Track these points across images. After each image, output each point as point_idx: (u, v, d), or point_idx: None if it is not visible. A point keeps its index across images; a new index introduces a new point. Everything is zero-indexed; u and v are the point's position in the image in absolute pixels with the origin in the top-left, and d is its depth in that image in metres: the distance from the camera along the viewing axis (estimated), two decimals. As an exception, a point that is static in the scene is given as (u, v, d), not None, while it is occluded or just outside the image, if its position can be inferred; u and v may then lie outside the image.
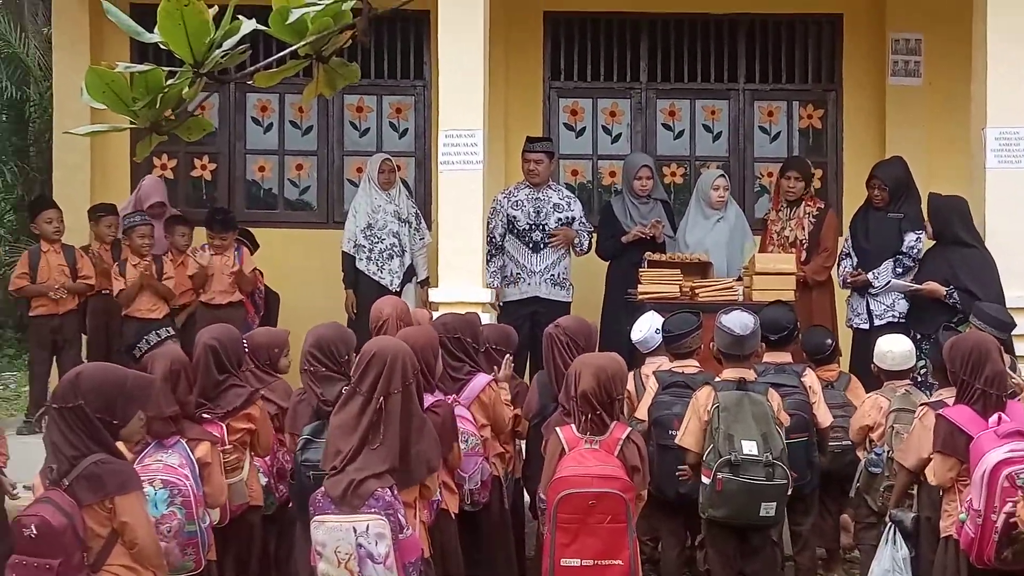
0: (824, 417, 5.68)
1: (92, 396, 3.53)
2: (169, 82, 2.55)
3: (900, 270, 7.24)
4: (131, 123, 2.67)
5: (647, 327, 6.09)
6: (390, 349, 3.99)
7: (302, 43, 2.52)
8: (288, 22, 2.48)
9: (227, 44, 2.46)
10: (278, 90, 9.07)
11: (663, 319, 6.00)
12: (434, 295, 7.09)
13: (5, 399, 11.38)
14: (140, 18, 2.66)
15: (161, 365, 4.38)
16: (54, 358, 8.00)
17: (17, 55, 15.28)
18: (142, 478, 3.83)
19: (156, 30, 2.43)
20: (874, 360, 5.96)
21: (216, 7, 2.46)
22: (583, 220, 8.16)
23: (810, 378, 5.75)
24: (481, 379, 5.23)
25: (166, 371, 4.36)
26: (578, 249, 8.10)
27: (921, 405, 5.07)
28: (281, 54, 2.57)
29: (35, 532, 3.36)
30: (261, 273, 8.43)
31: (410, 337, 4.51)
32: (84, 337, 8.21)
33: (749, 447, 4.76)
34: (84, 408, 3.51)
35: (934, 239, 7.07)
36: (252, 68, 2.61)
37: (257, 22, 2.48)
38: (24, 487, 5.99)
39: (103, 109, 2.65)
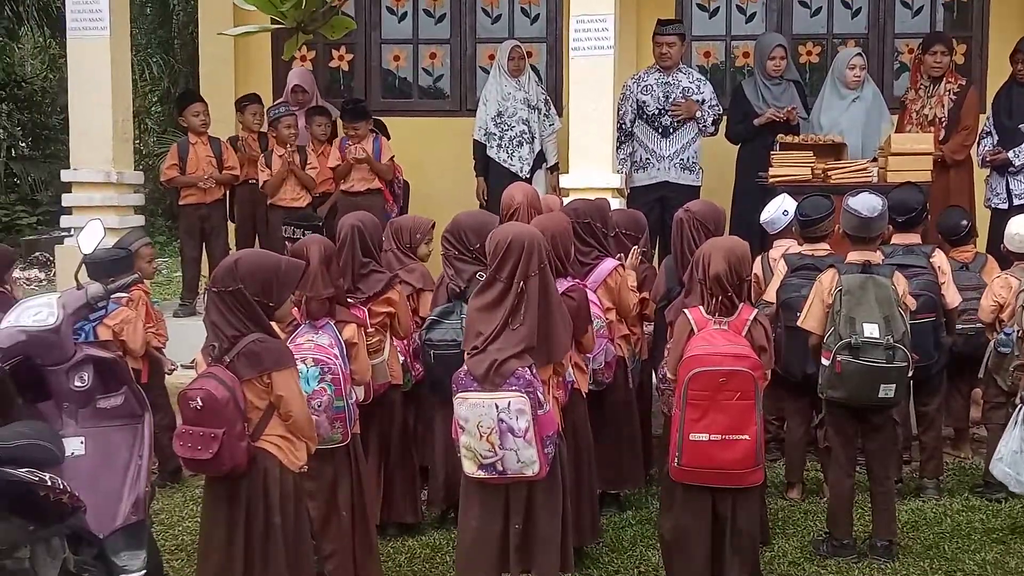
0: (952, 298, 5.66)
1: (250, 280, 3.75)
2: (313, -17, 2.71)
3: None
4: (277, 23, 2.83)
5: (775, 209, 6.12)
6: (525, 235, 4.10)
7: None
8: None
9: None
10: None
11: (795, 203, 6.00)
12: (564, 181, 7.19)
13: (158, 284, 11.99)
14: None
15: (316, 250, 4.54)
16: (203, 245, 8.40)
17: (158, -52, 15.66)
18: (295, 356, 4.06)
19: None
20: (1004, 241, 5.87)
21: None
22: (714, 103, 8.10)
23: (939, 258, 5.71)
24: (608, 263, 5.34)
25: (322, 255, 4.52)
26: (702, 126, 8.05)
27: None
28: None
29: (200, 404, 3.62)
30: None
31: (545, 224, 4.63)
32: (231, 225, 8.59)
33: (871, 330, 4.77)
34: (243, 291, 3.74)
35: None
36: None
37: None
38: (183, 366, 6.44)
39: (249, 10, 2.82)
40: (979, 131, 7.51)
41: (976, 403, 6.40)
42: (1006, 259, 5.94)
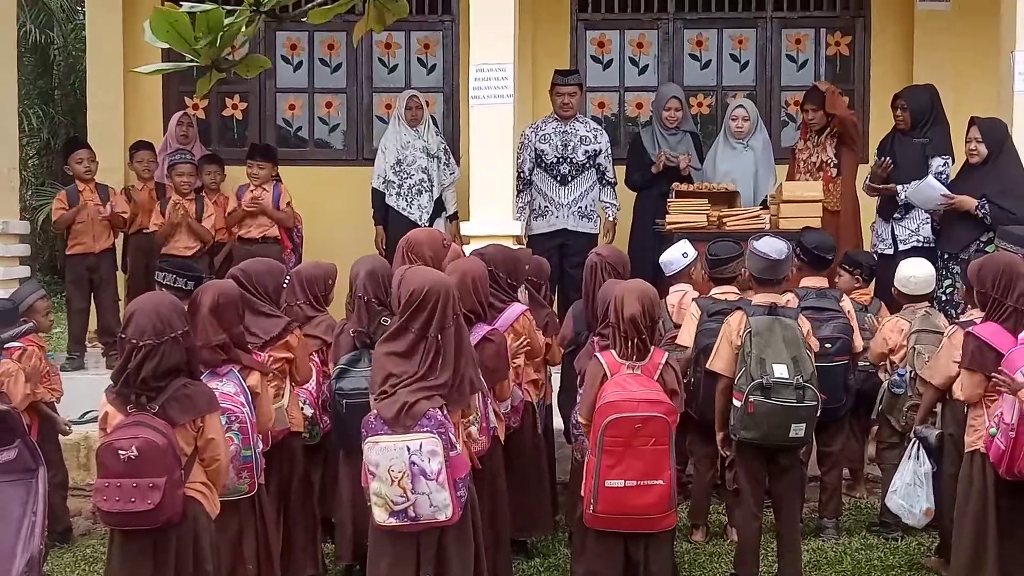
0: (859, 342, 5.82)
1: (179, 326, 3.74)
2: (228, 20, 2.65)
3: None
4: (191, 61, 2.76)
5: (676, 250, 6.24)
6: (441, 286, 4.06)
7: (355, -20, 2.61)
8: (342, -40, 2.58)
9: (285, -17, 2.55)
10: (307, 28, 9.13)
11: (694, 248, 6.11)
12: (465, 228, 7.20)
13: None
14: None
15: (208, 297, 4.43)
16: (91, 296, 8.13)
17: (41, -1, 15.34)
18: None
19: (217, -30, 2.53)
20: (895, 284, 6.06)
21: (274, -53, 2.56)
22: (609, 152, 8.23)
23: (847, 303, 5.89)
24: (516, 308, 5.34)
25: (213, 302, 4.41)
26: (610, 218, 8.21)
27: (951, 324, 5.17)
28: (335, -8, 2.66)
29: (136, 453, 3.51)
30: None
31: (465, 268, 4.61)
32: (119, 275, 8.35)
33: (780, 370, 4.86)
34: (178, 337, 3.70)
35: (985, 160, 6.93)
36: (307, 6, 2.70)
37: (313, -39, 2.57)
38: (74, 422, 6.21)
39: (161, 47, 2.75)
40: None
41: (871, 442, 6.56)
42: (895, 303, 6.13)
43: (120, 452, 3.53)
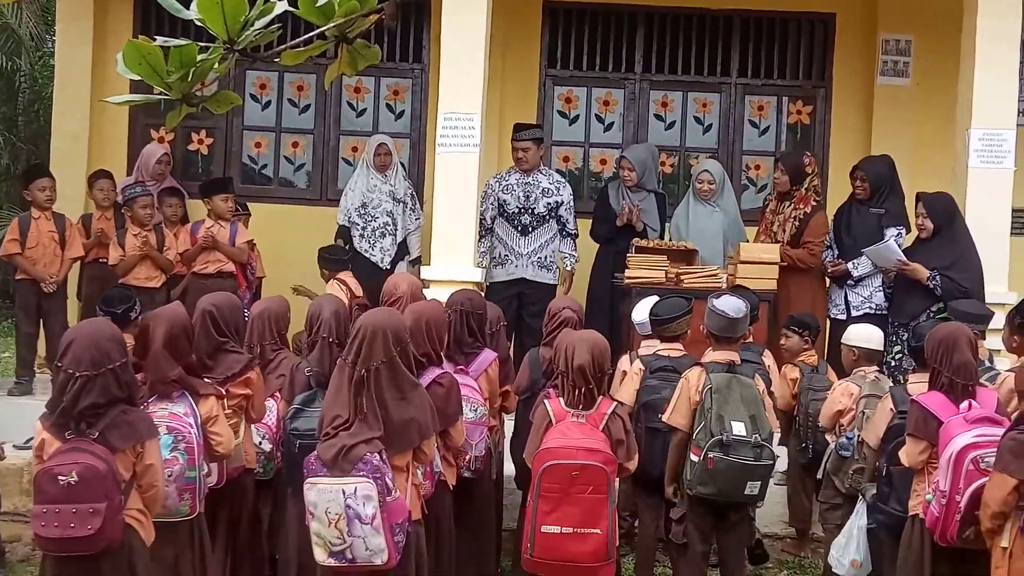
0: (779, 393, 6.05)
1: (118, 357, 3.71)
2: (201, 57, 2.70)
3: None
4: (161, 94, 2.81)
5: (646, 311, 6.29)
6: (373, 322, 4.11)
7: (329, 25, 2.68)
8: (317, 5, 2.64)
9: (260, 23, 2.61)
10: (277, 68, 9.19)
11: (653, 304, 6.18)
12: (426, 273, 7.24)
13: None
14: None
15: (161, 331, 4.41)
16: (39, 322, 8.09)
17: (9, 25, 15.30)
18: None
19: (194, 7, 2.58)
20: (849, 342, 6.11)
21: (250, -12, 2.62)
22: (571, 205, 8.33)
23: (769, 358, 5.99)
24: (488, 354, 5.41)
25: (166, 335, 4.40)
26: (569, 230, 8.28)
27: (888, 389, 5.29)
28: (309, 35, 2.72)
29: (76, 478, 3.49)
30: (254, 247, 8.51)
31: (421, 310, 4.65)
32: (72, 302, 8.31)
33: (738, 428, 4.94)
34: (116, 369, 3.67)
35: (934, 234, 7.12)
36: (281, 47, 2.76)
37: (288, 4, 2.63)
38: (15, 446, 6.15)
39: (133, 78, 2.79)
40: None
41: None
42: (844, 368, 6.23)
43: (60, 477, 3.50)
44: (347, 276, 7.82)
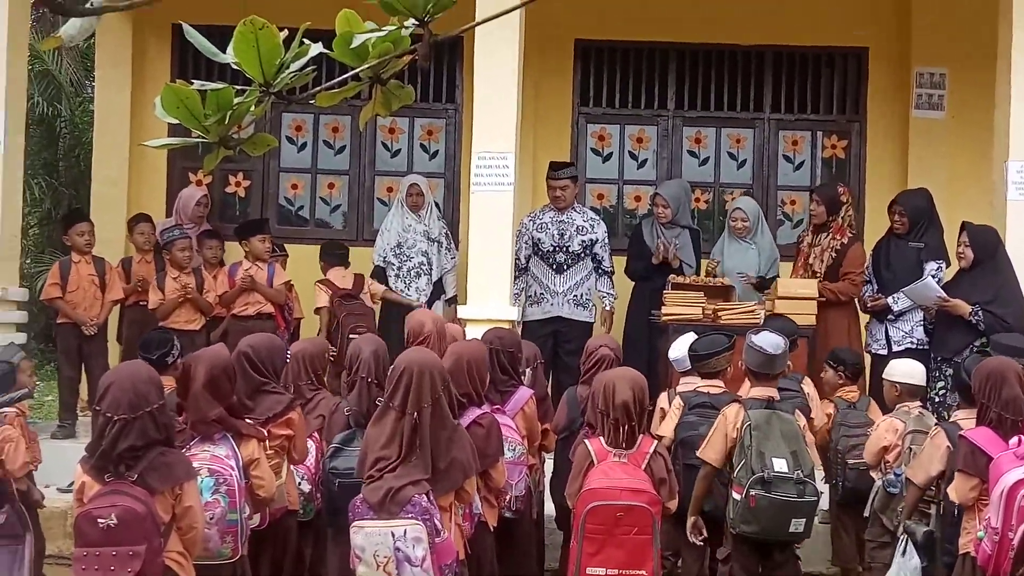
0: (820, 419, 5.99)
1: (155, 400, 3.72)
2: (238, 100, 2.71)
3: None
4: (199, 137, 2.82)
5: (684, 347, 6.24)
6: (419, 363, 4.10)
7: (363, 67, 2.68)
8: (351, 47, 2.65)
9: (295, 66, 2.62)
10: (313, 110, 9.27)
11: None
12: (463, 312, 7.25)
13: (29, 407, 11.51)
14: (209, 39, 2.83)
15: (202, 370, 4.44)
16: (81, 366, 8.17)
17: (49, 72, 15.55)
18: (189, 466, 3.96)
19: (230, 51, 2.60)
20: (891, 377, 6.04)
21: (286, 31, 2.63)
22: (606, 242, 8.31)
23: (809, 385, 5.92)
24: (524, 392, 5.39)
25: (207, 375, 4.42)
26: (605, 268, 8.27)
27: (935, 425, 5.20)
28: (343, 76, 2.73)
29: (115, 521, 3.49)
30: (292, 288, 8.54)
31: (462, 351, 4.64)
32: (115, 346, 8.38)
33: (780, 464, 4.88)
34: (154, 412, 3.69)
35: (973, 266, 7.04)
36: (316, 89, 2.77)
37: (323, 46, 2.64)
38: (59, 489, 6.17)
39: (172, 122, 2.81)
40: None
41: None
42: (887, 404, 6.15)
43: (99, 520, 3.51)
44: (335, 274, 8.16)
